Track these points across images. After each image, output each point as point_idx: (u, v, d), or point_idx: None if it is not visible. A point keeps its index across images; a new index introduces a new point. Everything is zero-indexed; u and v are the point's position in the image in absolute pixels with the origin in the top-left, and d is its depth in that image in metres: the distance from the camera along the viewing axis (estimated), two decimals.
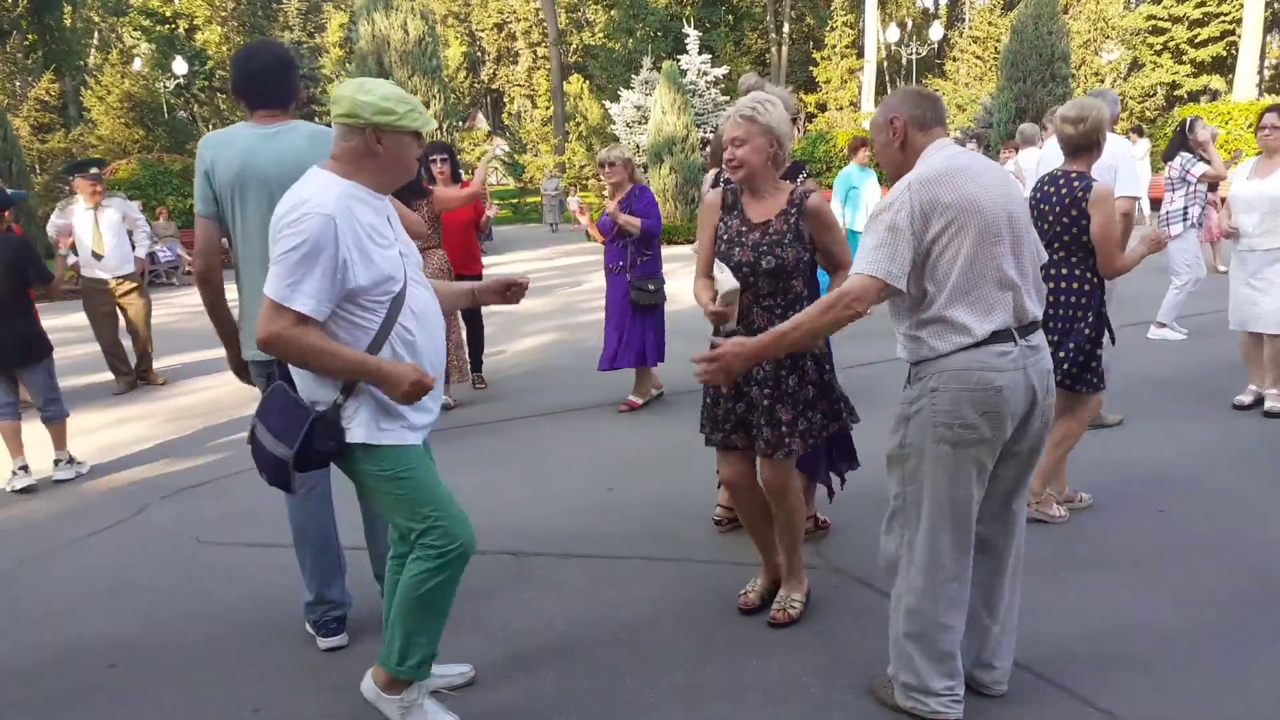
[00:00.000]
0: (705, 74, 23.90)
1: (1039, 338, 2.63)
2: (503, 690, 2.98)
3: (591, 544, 4.13)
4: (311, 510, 3.27)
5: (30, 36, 31.47)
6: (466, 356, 6.99)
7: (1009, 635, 2.79)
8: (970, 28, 39.75)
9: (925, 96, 2.71)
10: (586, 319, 10.73)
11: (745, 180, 3.17)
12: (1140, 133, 16.41)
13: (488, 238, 19.97)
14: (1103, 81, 31.44)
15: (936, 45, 37.88)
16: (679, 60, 23.69)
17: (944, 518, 2.58)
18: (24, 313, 5.49)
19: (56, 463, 5.61)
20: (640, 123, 23.39)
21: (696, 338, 3.50)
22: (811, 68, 42.36)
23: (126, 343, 8.17)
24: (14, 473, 5.42)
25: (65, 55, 33.04)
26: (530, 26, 46.41)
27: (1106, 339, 4.05)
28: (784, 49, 42.16)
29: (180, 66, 29.86)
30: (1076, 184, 3.90)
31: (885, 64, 40.58)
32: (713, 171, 4.36)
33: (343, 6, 38.83)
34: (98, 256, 7.76)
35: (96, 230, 7.73)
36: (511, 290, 2.94)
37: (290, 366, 2.55)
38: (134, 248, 8.07)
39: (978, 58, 36.90)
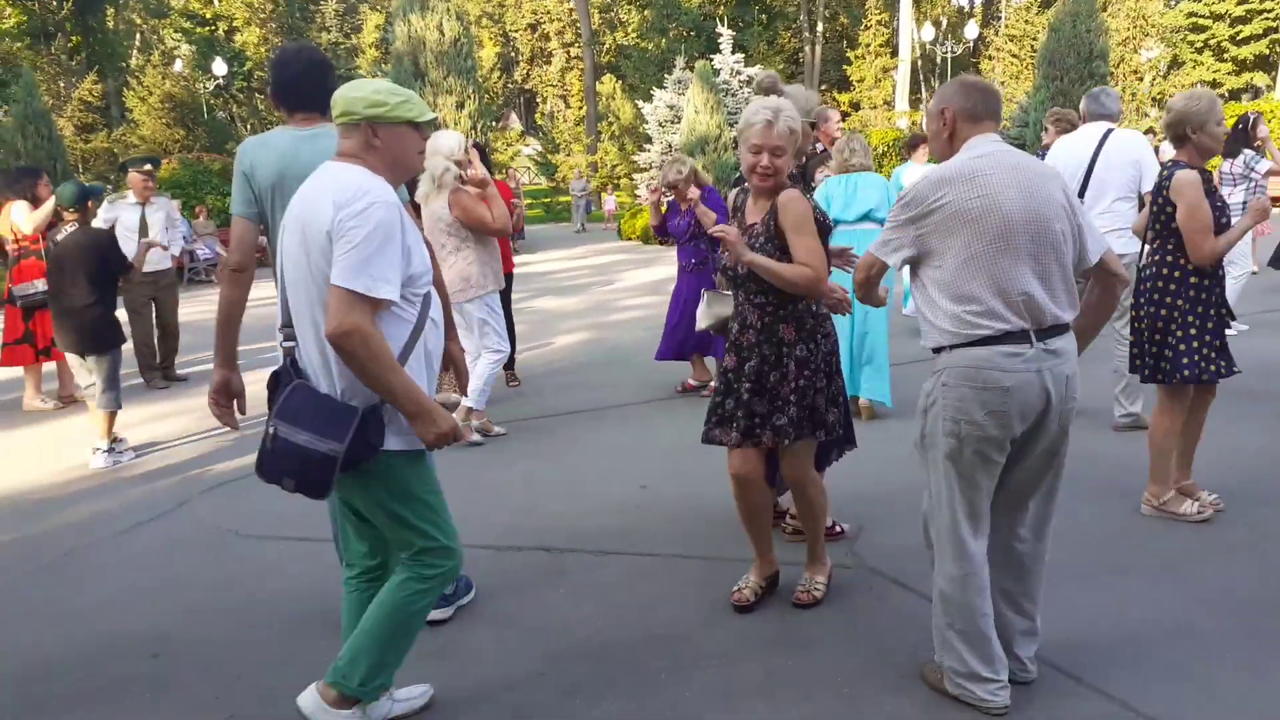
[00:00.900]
0: (738, 73, 23.93)
1: (1061, 342, 2.61)
2: (536, 687, 3.00)
3: (625, 541, 4.14)
4: None
5: (74, 38, 32.02)
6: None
7: (1030, 634, 2.81)
8: (1006, 26, 39.30)
9: (979, 89, 2.68)
10: (619, 317, 10.75)
11: (775, 189, 3.18)
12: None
13: (520, 236, 20.06)
14: (1141, 80, 30.96)
15: (972, 44, 37.46)
16: (712, 60, 23.72)
17: (960, 506, 2.64)
18: (101, 300, 5.82)
19: (96, 450, 5.75)
20: (673, 122, 23.43)
21: None
22: (845, 66, 42.12)
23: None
24: (107, 451, 5.76)
25: (108, 57, 33.56)
26: (564, 27, 46.50)
27: (1228, 329, 4.13)
28: (818, 48, 41.95)
29: (220, 68, 30.24)
30: (1164, 172, 3.99)
31: (920, 63, 40.25)
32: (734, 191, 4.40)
33: (379, 8, 39.13)
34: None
35: (144, 225, 7.87)
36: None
37: (303, 369, 2.51)
38: (167, 246, 8.21)
39: (1014, 56, 36.45)
